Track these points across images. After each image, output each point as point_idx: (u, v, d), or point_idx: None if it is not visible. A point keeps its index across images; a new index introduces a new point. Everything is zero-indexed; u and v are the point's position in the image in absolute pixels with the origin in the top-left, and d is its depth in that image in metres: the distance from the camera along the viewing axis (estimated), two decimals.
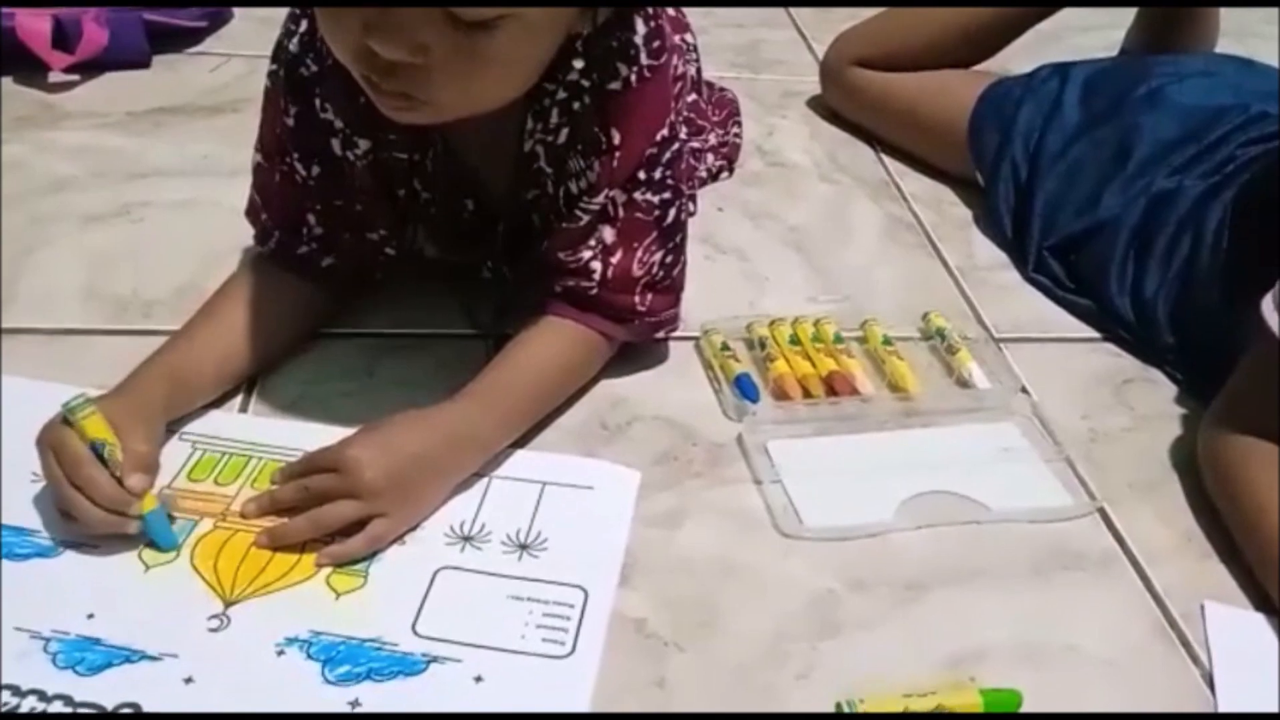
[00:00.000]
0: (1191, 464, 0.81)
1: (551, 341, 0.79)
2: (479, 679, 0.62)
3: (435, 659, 0.63)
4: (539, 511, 0.73)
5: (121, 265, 0.93)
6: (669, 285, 0.83)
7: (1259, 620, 0.71)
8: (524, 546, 0.71)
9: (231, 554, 0.68)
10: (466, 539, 0.71)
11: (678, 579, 0.70)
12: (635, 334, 0.84)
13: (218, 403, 0.79)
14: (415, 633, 0.65)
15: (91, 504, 0.65)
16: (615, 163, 0.77)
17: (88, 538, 0.67)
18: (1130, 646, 0.69)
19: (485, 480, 0.75)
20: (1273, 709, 0.65)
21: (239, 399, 0.80)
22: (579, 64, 0.74)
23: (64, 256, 0.94)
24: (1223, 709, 0.65)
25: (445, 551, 0.70)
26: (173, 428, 0.75)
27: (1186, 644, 0.69)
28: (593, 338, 0.81)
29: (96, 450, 0.65)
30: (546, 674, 0.63)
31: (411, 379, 0.83)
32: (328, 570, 0.68)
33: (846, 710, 0.62)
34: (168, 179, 1.05)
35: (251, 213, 0.84)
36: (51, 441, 0.67)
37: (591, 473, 0.76)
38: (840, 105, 1.27)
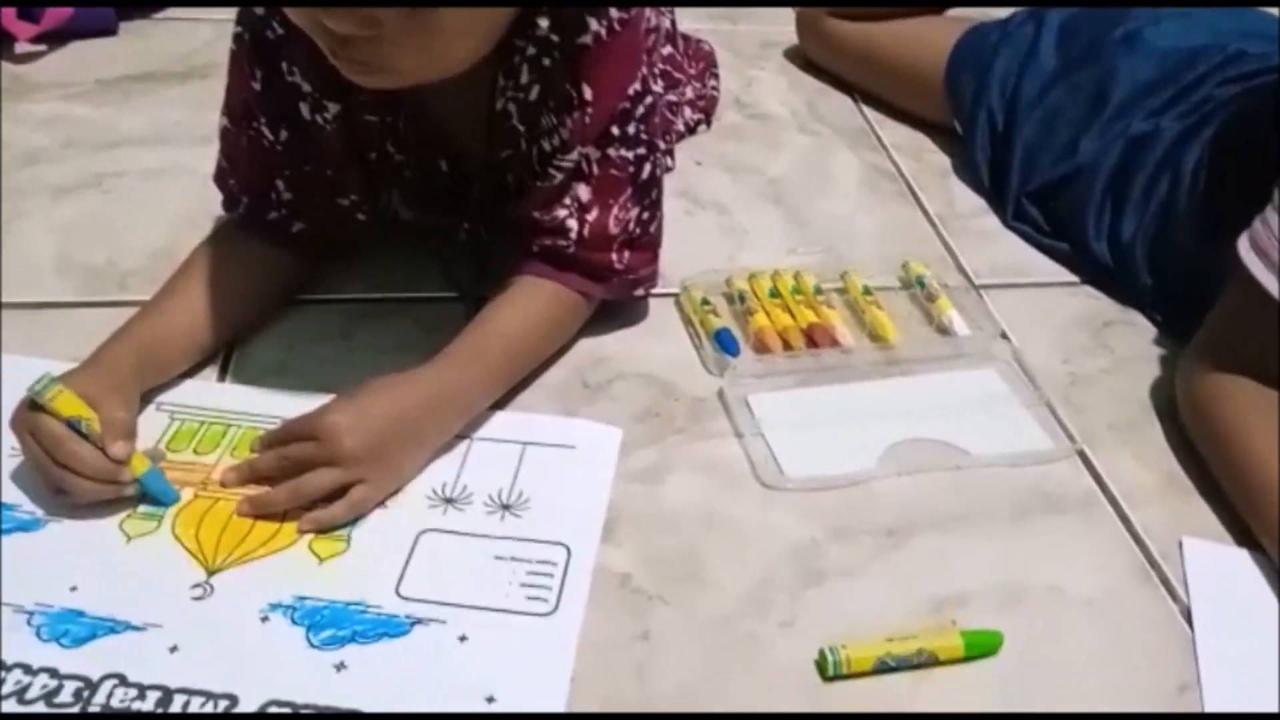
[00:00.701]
0: (1170, 404, 0.81)
1: (529, 301, 0.79)
2: (463, 638, 0.63)
3: (419, 620, 0.64)
4: (520, 472, 0.73)
5: (95, 236, 0.92)
6: (646, 242, 0.83)
7: (1237, 554, 0.71)
8: (506, 507, 0.71)
9: (213, 523, 0.68)
10: (448, 501, 0.71)
11: (661, 533, 0.71)
12: (614, 292, 0.83)
13: (195, 371, 0.79)
14: (399, 595, 0.65)
15: (82, 478, 0.66)
16: (587, 119, 0.76)
17: (77, 509, 0.67)
18: (1110, 586, 0.69)
19: (466, 442, 0.75)
20: (1249, 641, 0.66)
21: (216, 367, 0.80)
22: (545, 21, 0.73)
23: (37, 229, 0.93)
24: (1200, 643, 0.65)
25: (427, 514, 0.70)
26: (149, 397, 0.75)
27: (1166, 582, 0.70)
28: (571, 297, 0.81)
29: (74, 426, 0.65)
30: (530, 631, 0.63)
31: (390, 343, 0.83)
32: (310, 536, 0.68)
33: (830, 657, 0.62)
34: (139, 147, 1.04)
35: (219, 179, 0.83)
36: (27, 425, 0.66)
37: (572, 432, 0.77)
38: (817, 55, 1.26)
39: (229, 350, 0.81)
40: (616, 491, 0.73)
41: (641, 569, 0.68)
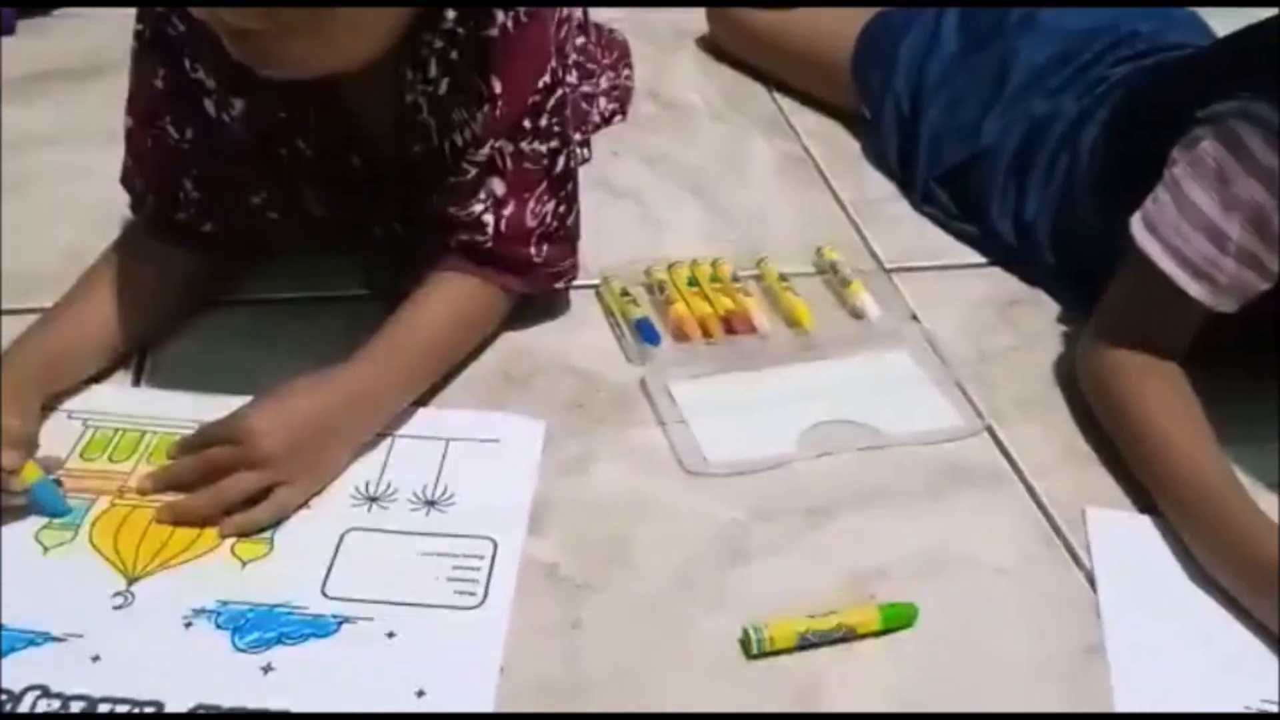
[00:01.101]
0: (1073, 378, 0.84)
1: (448, 297, 0.79)
2: (391, 635, 0.63)
3: (346, 619, 0.64)
4: (445, 467, 0.74)
5: (3, 241, 0.90)
6: (564, 235, 0.83)
7: (1138, 520, 0.74)
8: (431, 503, 0.71)
9: (131, 530, 0.68)
10: (372, 499, 0.71)
11: (588, 523, 0.72)
12: (533, 285, 0.84)
13: (108, 376, 0.78)
14: (325, 594, 0.65)
15: None
16: (498, 112, 0.76)
17: None
18: (1020, 555, 0.72)
19: (389, 439, 0.75)
20: (1151, 603, 0.69)
21: (131, 371, 0.79)
22: (452, 13, 0.73)
23: None
24: (1104, 606, 0.68)
25: (351, 513, 0.70)
26: (60, 403, 0.74)
27: (1071, 549, 0.73)
28: (490, 291, 0.81)
29: None
30: (458, 625, 0.64)
31: (309, 343, 0.82)
32: (232, 540, 0.68)
33: (753, 636, 0.64)
34: (44, 148, 1.02)
35: (126, 179, 0.82)
36: None
37: (496, 426, 0.77)
38: (728, 44, 1.28)
39: (143, 353, 0.80)
40: (543, 483, 0.74)
41: (569, 558, 0.69)
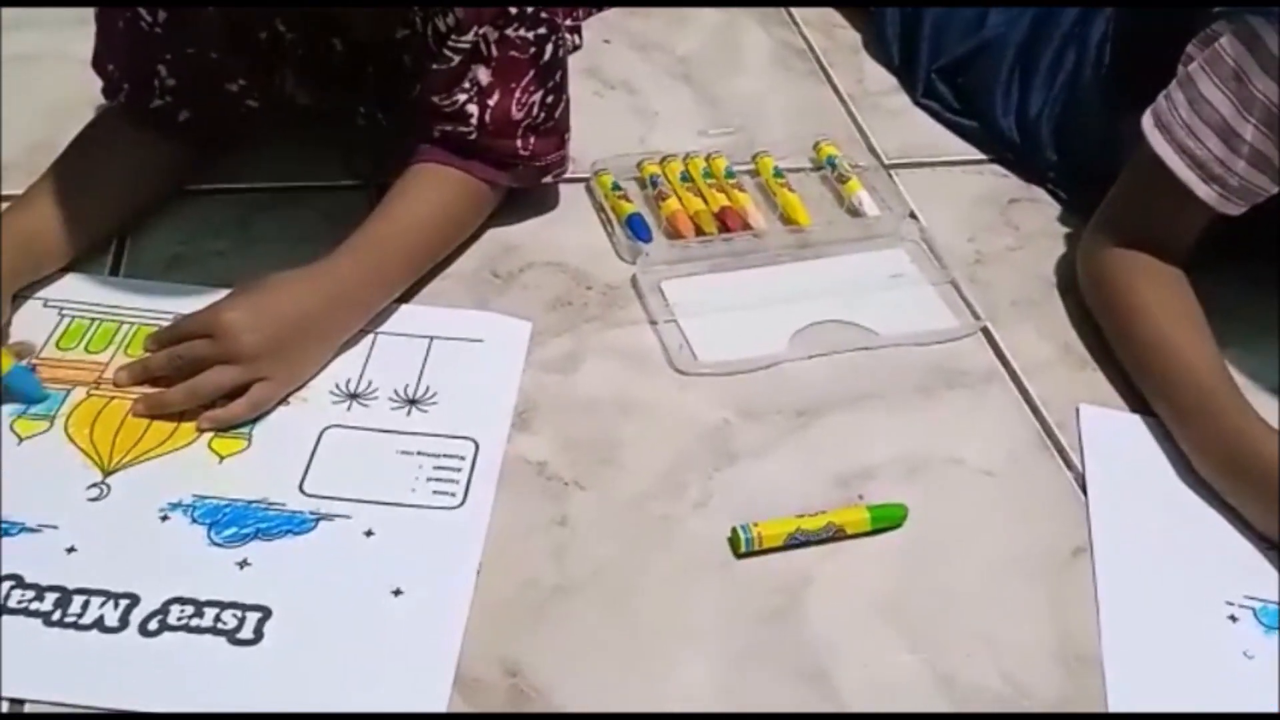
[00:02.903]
0: (1071, 280, 0.83)
1: (432, 191, 0.77)
2: (369, 533, 0.63)
3: (324, 516, 0.63)
4: (427, 366, 0.72)
5: None
6: (552, 127, 0.81)
7: (1131, 420, 0.74)
8: (413, 402, 0.70)
9: (107, 422, 0.66)
10: (353, 396, 0.70)
11: (576, 421, 0.71)
12: (520, 179, 0.82)
13: (86, 266, 0.76)
14: (303, 491, 0.64)
15: None
16: None
17: None
18: (1009, 456, 0.72)
19: (371, 336, 0.74)
20: (1140, 503, 0.69)
21: (109, 261, 0.77)
22: None
23: None
24: (1093, 506, 0.68)
25: (331, 410, 0.69)
26: (33, 292, 0.72)
27: (1061, 450, 0.72)
28: (475, 185, 0.79)
29: None
30: (437, 525, 0.63)
31: (290, 234, 0.80)
32: (210, 435, 0.67)
33: (742, 535, 0.64)
34: (9, 31, 0.98)
35: (98, 64, 0.79)
36: None
37: (480, 325, 0.76)
38: None
39: (121, 242, 0.78)
40: (530, 381, 0.73)
41: (557, 456, 0.69)
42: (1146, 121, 0.76)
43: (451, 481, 0.66)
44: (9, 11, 1.00)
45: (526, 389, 0.72)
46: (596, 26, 1.07)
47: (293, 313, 0.68)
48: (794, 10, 1.13)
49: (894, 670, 0.60)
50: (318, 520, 0.63)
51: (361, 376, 0.71)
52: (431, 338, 0.74)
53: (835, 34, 1.11)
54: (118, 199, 0.76)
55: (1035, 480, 0.71)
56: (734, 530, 0.64)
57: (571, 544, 0.64)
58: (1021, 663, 0.61)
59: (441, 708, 0.55)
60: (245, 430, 0.67)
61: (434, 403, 0.70)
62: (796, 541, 0.65)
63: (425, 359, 0.73)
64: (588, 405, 0.72)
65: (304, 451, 0.66)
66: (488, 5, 0.74)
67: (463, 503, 0.65)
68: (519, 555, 0.63)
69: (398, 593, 0.60)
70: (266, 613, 0.58)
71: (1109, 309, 0.78)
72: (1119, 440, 0.73)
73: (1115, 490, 0.69)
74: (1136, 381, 0.75)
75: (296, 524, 0.63)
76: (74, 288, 0.74)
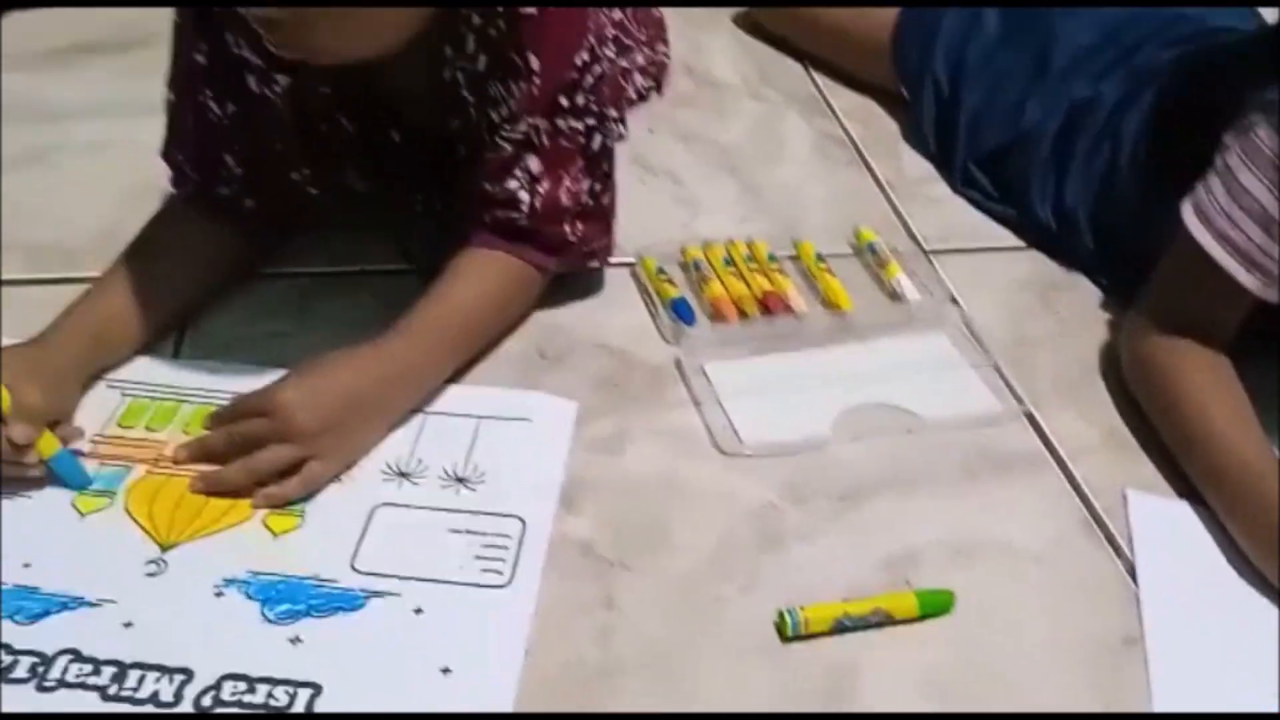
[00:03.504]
0: (1114, 364, 0.83)
1: (483, 275, 0.79)
2: (419, 611, 0.63)
3: (374, 593, 0.64)
4: (475, 445, 0.74)
5: (38, 212, 0.91)
6: (599, 213, 0.83)
7: (1180, 507, 0.73)
8: (461, 480, 0.71)
9: (166, 499, 0.68)
10: (403, 475, 0.71)
11: (622, 501, 0.72)
12: (568, 264, 0.84)
13: (148, 348, 0.78)
14: (354, 569, 0.65)
15: None
16: (535, 89, 0.76)
17: (11, 486, 0.67)
18: (1057, 541, 0.71)
19: (421, 416, 0.75)
20: (1192, 593, 0.68)
21: (171, 342, 0.79)
22: None
23: None
24: (1144, 596, 0.67)
25: (382, 488, 0.70)
26: (101, 375, 0.75)
27: (1110, 536, 0.72)
28: (525, 269, 0.81)
29: None
30: (485, 603, 0.64)
31: (346, 317, 0.82)
32: (264, 512, 0.68)
33: (789, 619, 0.64)
34: (81, 120, 1.02)
35: (167, 154, 0.82)
36: None
37: (528, 405, 0.77)
38: (766, 20, 1.26)
39: (182, 325, 0.80)
40: (576, 460, 0.74)
41: (603, 536, 0.69)
42: (1186, 211, 0.77)
43: (499, 560, 0.66)
44: (80, 100, 1.05)
45: (572, 469, 0.73)
46: (642, 116, 1.10)
47: (346, 392, 0.70)
48: (834, 100, 1.16)
49: None
50: (368, 597, 0.64)
51: (412, 455, 0.73)
52: (480, 417, 0.75)
53: (874, 123, 1.13)
54: (184, 286, 0.79)
55: (1083, 567, 0.70)
56: (780, 614, 0.64)
57: (618, 625, 0.64)
58: None
59: None
60: (299, 507, 0.68)
61: (482, 481, 0.71)
62: (843, 627, 0.64)
63: (474, 438, 0.74)
64: (633, 486, 0.73)
65: (355, 529, 0.68)
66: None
67: (510, 581, 0.65)
68: (565, 636, 0.63)
69: (446, 671, 0.60)
70: (317, 689, 0.59)
71: (1154, 395, 0.78)
72: (1169, 527, 0.72)
73: (1167, 579, 0.69)
74: (1184, 467, 0.75)
75: (348, 601, 0.63)
76: (136, 368, 0.77)
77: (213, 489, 0.68)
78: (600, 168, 0.81)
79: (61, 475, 0.68)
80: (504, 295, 0.81)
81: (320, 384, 0.69)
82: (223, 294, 0.83)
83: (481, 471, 0.72)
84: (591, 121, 0.79)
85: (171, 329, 0.80)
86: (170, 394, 0.75)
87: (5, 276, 0.84)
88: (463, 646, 0.62)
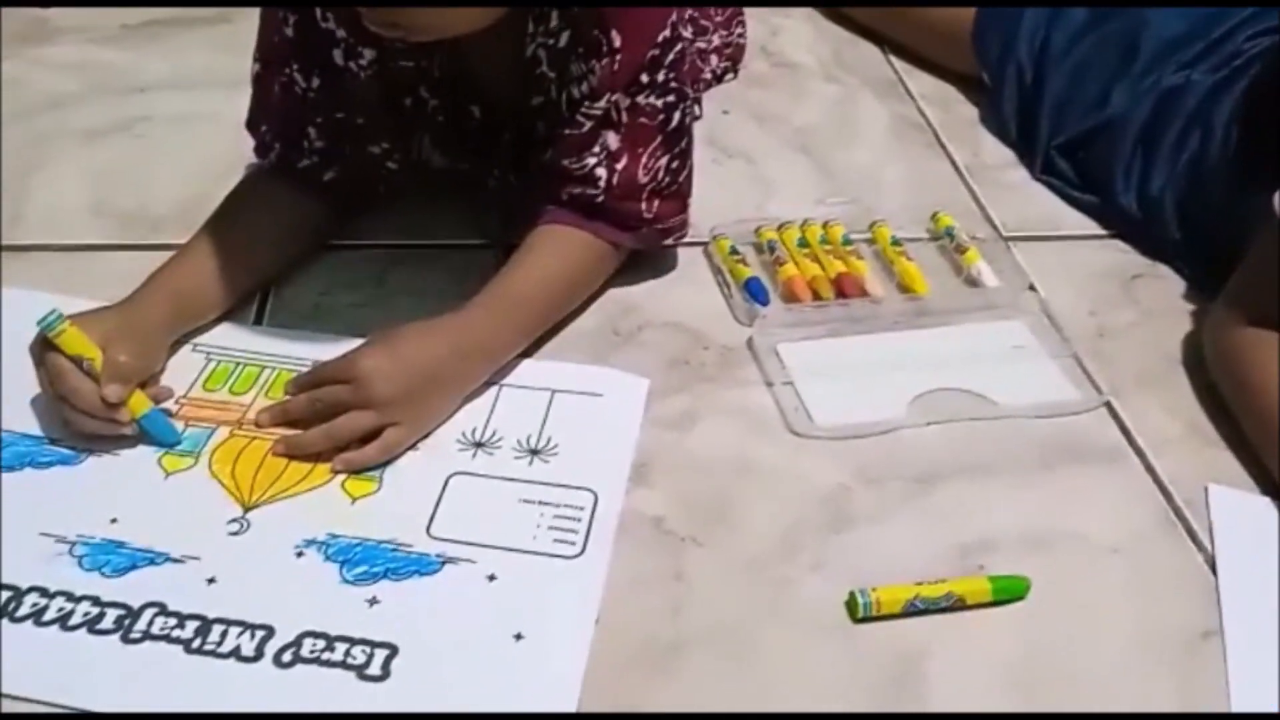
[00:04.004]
0: (1197, 356, 0.82)
1: (559, 250, 0.79)
2: (492, 578, 0.64)
3: (450, 559, 0.65)
4: (549, 418, 0.74)
5: (126, 181, 0.93)
6: (676, 191, 0.83)
7: (1262, 503, 0.72)
8: (534, 452, 0.72)
9: (248, 461, 0.70)
10: (478, 445, 0.72)
11: (693, 478, 0.72)
12: (643, 241, 0.84)
13: (231, 314, 0.79)
14: (430, 534, 0.66)
15: (80, 413, 0.67)
16: (616, 66, 0.76)
17: (100, 444, 0.69)
18: (1135, 533, 0.70)
19: (496, 388, 0.76)
20: (1272, 586, 0.66)
21: (253, 309, 0.81)
22: None
23: (68, 174, 0.94)
24: (1224, 589, 0.66)
25: (457, 457, 0.71)
26: (187, 339, 0.77)
27: (1190, 530, 0.70)
28: (601, 246, 0.81)
29: (78, 363, 0.67)
30: (557, 573, 0.65)
31: (422, 289, 0.83)
32: (343, 476, 0.69)
33: (860, 599, 0.63)
34: (167, 92, 1.04)
35: (252, 124, 0.84)
36: (37, 356, 0.68)
37: (600, 380, 0.77)
38: (843, 4, 1.25)
39: (265, 293, 0.82)
40: (648, 436, 0.74)
41: (674, 512, 0.69)
42: (1278, 201, 0.75)
43: (571, 531, 0.67)
44: (167, 73, 1.07)
45: (644, 445, 0.73)
46: (717, 97, 1.09)
47: (425, 362, 0.71)
48: (911, 84, 1.15)
49: None
50: (444, 563, 0.65)
51: (486, 426, 0.73)
52: (554, 390, 0.76)
53: (952, 108, 1.12)
54: (265, 254, 0.80)
55: (1162, 559, 0.69)
56: (851, 595, 0.64)
57: (689, 600, 0.65)
58: None
59: None
60: (376, 473, 0.70)
61: (555, 453, 0.72)
62: (915, 609, 0.64)
63: (547, 411, 0.75)
64: (704, 463, 0.73)
65: (431, 496, 0.68)
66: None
67: (582, 551, 0.66)
68: (637, 609, 0.64)
69: (519, 637, 0.61)
70: (394, 650, 0.60)
71: (1238, 387, 0.76)
72: (1250, 523, 0.71)
73: (1247, 574, 0.67)
74: (1265, 460, 0.73)
75: (424, 565, 0.64)
76: (221, 334, 0.78)
77: (293, 452, 0.70)
78: (678, 145, 0.81)
79: (152, 433, 0.69)
80: (579, 271, 0.81)
81: (400, 353, 0.70)
82: (304, 265, 0.84)
83: (555, 444, 0.72)
84: (671, 98, 0.79)
85: (253, 295, 0.81)
86: (253, 359, 0.77)
87: (95, 241, 0.86)
88: (535, 613, 0.62)
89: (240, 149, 0.86)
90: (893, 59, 1.19)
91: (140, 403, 0.69)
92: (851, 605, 0.64)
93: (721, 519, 0.69)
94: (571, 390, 0.76)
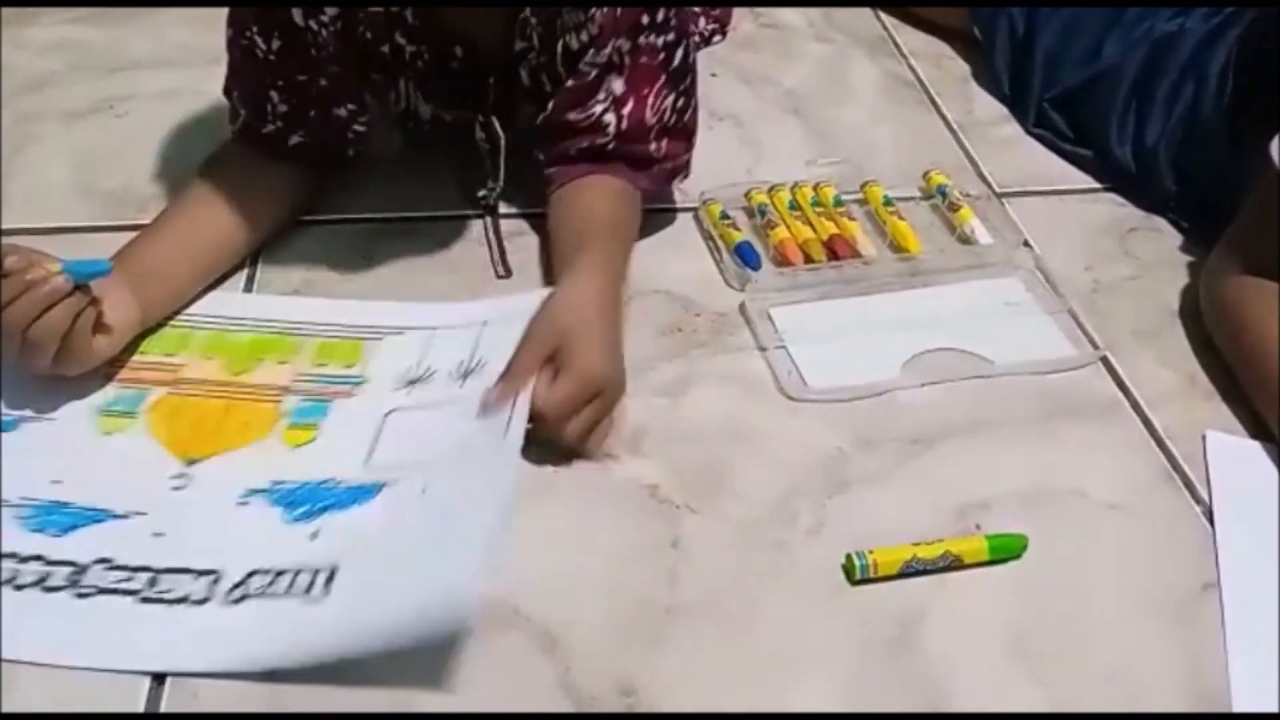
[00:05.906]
0: (1194, 309, 0.81)
1: (596, 198, 0.80)
2: (425, 490, 0.65)
3: (385, 484, 0.66)
4: (479, 344, 0.74)
5: (110, 161, 0.92)
6: (682, 128, 0.83)
7: (1259, 448, 0.71)
8: (466, 375, 0.72)
9: (186, 418, 0.70)
10: (413, 383, 0.73)
11: (687, 446, 0.71)
12: (654, 181, 0.84)
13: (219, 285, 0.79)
14: (367, 466, 0.67)
15: (15, 306, 0.63)
16: (618, 11, 0.75)
17: (38, 403, 0.69)
18: (1134, 488, 0.70)
19: (429, 332, 0.76)
20: (1269, 534, 0.66)
21: (241, 286, 0.80)
22: None
23: (52, 154, 0.92)
24: (1220, 537, 0.66)
25: (393, 397, 0.72)
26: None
27: (1189, 484, 0.70)
28: (624, 186, 0.81)
29: None
30: (482, 462, 0.65)
31: (409, 262, 0.82)
32: (282, 427, 0.70)
33: (857, 562, 0.63)
34: (148, 70, 1.03)
35: (226, 91, 0.82)
36: None
37: (527, 302, 0.74)
38: None
39: (253, 268, 0.81)
40: (641, 405, 0.73)
41: (669, 480, 0.69)
42: (1275, 147, 0.74)
43: (497, 423, 0.66)
44: (147, 51, 1.06)
45: (638, 412, 0.73)
46: (704, 60, 1.07)
47: (619, 332, 0.72)
48: (902, 41, 1.13)
49: (1018, 704, 0.59)
50: (380, 487, 0.66)
51: (419, 364, 0.74)
52: (484, 322, 0.76)
53: (944, 65, 1.10)
54: (238, 227, 0.78)
55: (1161, 513, 0.69)
56: (848, 557, 0.64)
57: (685, 567, 0.64)
58: (1149, 699, 0.59)
59: (475, 586, 0.56)
60: (314, 421, 0.70)
61: (485, 369, 0.72)
62: (912, 570, 0.64)
63: (478, 340, 0.75)
64: (698, 430, 0.73)
65: (370, 434, 0.69)
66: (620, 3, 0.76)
67: (505, 433, 0.65)
68: (633, 576, 0.64)
69: (425, 491, 0.63)
70: (334, 571, 0.61)
71: (1234, 337, 0.76)
72: (1247, 469, 0.71)
73: (1244, 522, 0.67)
74: (1261, 410, 0.73)
75: (362, 494, 0.65)
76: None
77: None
78: (683, 82, 0.81)
79: (80, 272, 0.65)
80: (624, 207, 0.81)
81: (610, 340, 0.71)
82: (285, 239, 0.83)
83: (485, 362, 0.72)
84: (671, 37, 0.79)
85: (229, 272, 0.80)
86: (181, 320, 0.76)
87: (81, 223, 0.85)
88: (463, 500, 0.62)
89: (222, 124, 0.85)
90: (883, 17, 1.18)
91: (53, 263, 0.65)
92: (849, 568, 0.64)
93: (717, 485, 0.69)
94: (501, 319, 0.75)
